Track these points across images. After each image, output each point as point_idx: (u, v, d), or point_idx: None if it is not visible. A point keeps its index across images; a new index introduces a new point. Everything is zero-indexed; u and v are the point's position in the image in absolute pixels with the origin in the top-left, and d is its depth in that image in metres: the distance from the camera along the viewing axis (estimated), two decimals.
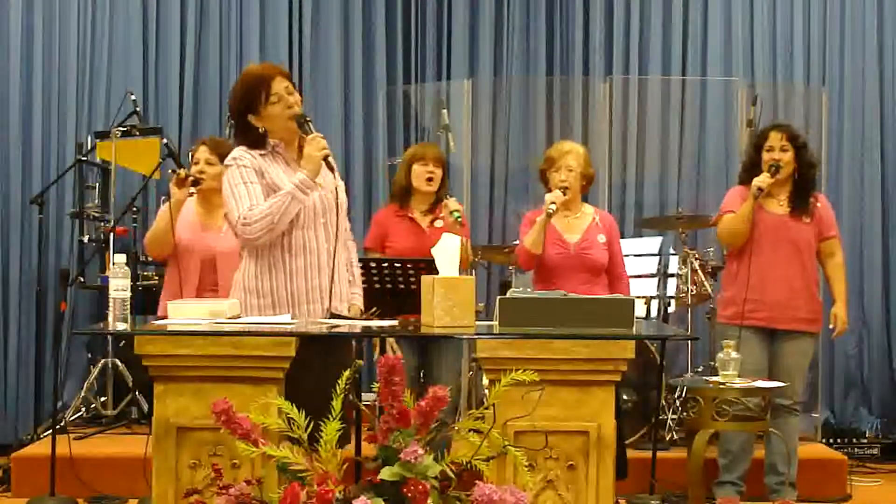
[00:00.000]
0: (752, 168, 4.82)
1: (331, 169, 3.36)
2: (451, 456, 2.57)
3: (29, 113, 6.39)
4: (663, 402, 5.40)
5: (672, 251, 6.04)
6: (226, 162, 3.43)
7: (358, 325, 3.25)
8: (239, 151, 3.39)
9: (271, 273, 3.36)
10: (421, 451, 2.46)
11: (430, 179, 4.73)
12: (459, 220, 4.54)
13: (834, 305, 4.88)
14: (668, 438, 5.38)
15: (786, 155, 4.73)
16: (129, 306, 2.95)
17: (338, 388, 2.57)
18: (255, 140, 3.39)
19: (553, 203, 4.46)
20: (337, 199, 3.44)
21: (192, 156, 4.50)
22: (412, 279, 4.19)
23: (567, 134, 6.35)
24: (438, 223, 4.73)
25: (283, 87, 3.36)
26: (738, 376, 4.14)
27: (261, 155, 3.38)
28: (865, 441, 6.08)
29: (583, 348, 2.88)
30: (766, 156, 4.75)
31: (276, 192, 3.30)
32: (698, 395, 4.11)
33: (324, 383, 2.68)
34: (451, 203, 4.61)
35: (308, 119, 3.37)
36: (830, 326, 4.92)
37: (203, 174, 4.36)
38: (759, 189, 4.64)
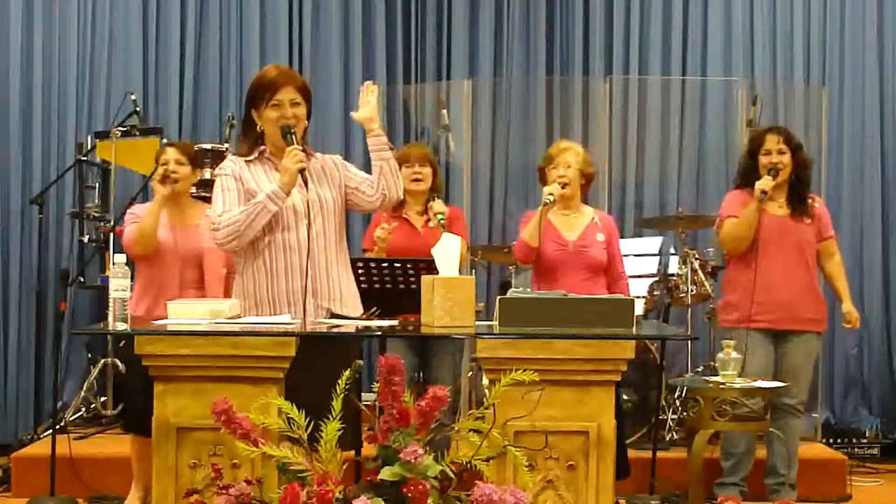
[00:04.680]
0: (748, 172, 4.81)
1: (304, 182, 3.37)
2: (451, 456, 2.58)
3: (29, 113, 6.39)
4: (663, 402, 5.40)
5: (672, 251, 6.04)
6: (215, 172, 3.56)
7: (358, 325, 3.26)
8: (226, 161, 3.56)
9: (256, 274, 3.43)
10: (421, 451, 2.46)
11: (416, 180, 4.77)
12: (443, 222, 4.55)
13: (843, 303, 4.89)
14: (668, 438, 5.38)
15: (783, 157, 4.73)
16: (129, 306, 2.95)
17: (338, 387, 2.58)
18: (250, 134, 3.50)
19: (551, 194, 4.46)
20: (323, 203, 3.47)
21: (159, 158, 4.58)
22: (412, 279, 4.19)
23: (567, 134, 6.34)
24: (433, 223, 4.75)
25: (288, 98, 3.43)
26: (739, 376, 4.14)
27: (247, 161, 3.48)
28: (865, 441, 6.08)
29: (583, 348, 2.88)
30: (763, 159, 4.75)
31: (251, 200, 3.37)
32: (698, 395, 4.11)
33: (324, 383, 2.68)
34: (437, 205, 4.66)
35: (293, 131, 3.40)
36: (845, 325, 4.92)
37: (176, 173, 4.48)
38: (763, 193, 4.62)
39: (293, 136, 3.39)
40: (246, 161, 3.48)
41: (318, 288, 3.42)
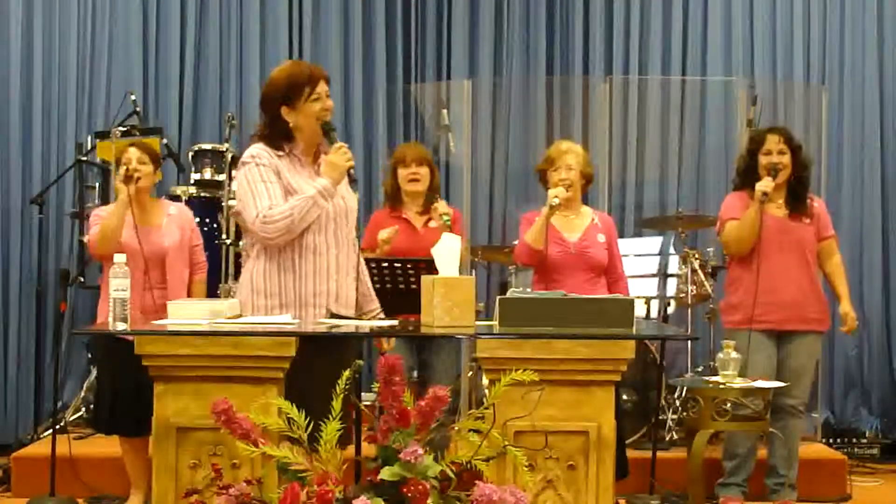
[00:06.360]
0: (747, 173, 4.81)
1: (352, 181, 3.37)
2: (451, 456, 2.58)
3: (29, 113, 6.40)
4: (663, 402, 5.40)
5: (672, 251, 6.04)
6: (242, 159, 3.38)
7: (358, 324, 3.26)
8: (257, 149, 3.37)
9: (281, 274, 3.34)
10: (421, 451, 2.46)
11: (413, 180, 4.78)
12: (448, 223, 4.56)
13: (841, 304, 4.87)
14: (668, 438, 5.38)
15: (784, 158, 4.73)
16: (128, 306, 2.95)
17: (338, 387, 2.58)
18: (279, 134, 3.37)
19: (556, 197, 4.45)
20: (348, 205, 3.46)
21: (121, 159, 4.56)
22: (412, 279, 4.18)
23: (567, 134, 6.34)
24: (433, 223, 4.75)
25: (325, 90, 3.39)
26: (739, 376, 4.14)
27: (278, 156, 3.36)
28: (865, 441, 6.08)
29: (583, 348, 2.88)
30: (763, 159, 4.75)
31: (295, 195, 3.29)
32: (698, 395, 4.11)
33: (324, 383, 2.68)
34: (441, 206, 4.68)
35: (334, 129, 3.39)
36: (842, 328, 4.91)
37: (139, 171, 4.46)
38: (765, 194, 4.62)
39: (335, 135, 3.38)
40: (278, 156, 3.37)
41: (340, 292, 3.41)
